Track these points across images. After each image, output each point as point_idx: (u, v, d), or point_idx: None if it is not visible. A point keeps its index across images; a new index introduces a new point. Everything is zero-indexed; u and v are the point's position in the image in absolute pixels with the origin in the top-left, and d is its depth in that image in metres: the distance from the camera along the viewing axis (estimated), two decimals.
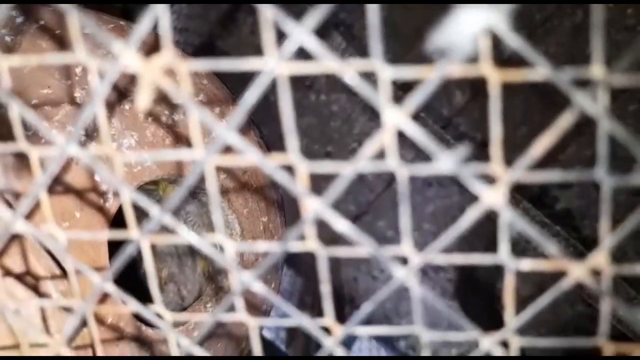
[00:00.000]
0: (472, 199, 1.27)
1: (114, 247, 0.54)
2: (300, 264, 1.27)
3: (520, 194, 1.19)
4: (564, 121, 0.22)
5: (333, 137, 1.36)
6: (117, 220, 0.55)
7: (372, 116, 1.21)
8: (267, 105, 1.21)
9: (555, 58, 1.22)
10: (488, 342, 0.25)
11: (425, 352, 0.26)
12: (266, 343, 1.22)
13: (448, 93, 1.20)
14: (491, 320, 1.29)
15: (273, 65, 0.22)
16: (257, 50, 1.26)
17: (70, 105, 0.49)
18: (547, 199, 1.30)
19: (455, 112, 1.22)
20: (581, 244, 1.20)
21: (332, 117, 1.28)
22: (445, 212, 1.29)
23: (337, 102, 1.28)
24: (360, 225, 1.37)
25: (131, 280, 0.85)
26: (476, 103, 1.18)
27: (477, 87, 1.16)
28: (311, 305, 1.30)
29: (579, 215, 1.33)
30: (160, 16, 0.23)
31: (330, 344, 0.26)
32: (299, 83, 1.19)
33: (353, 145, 1.35)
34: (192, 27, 1.23)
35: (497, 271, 1.28)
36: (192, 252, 0.82)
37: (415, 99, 0.22)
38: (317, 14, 0.22)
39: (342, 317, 1.40)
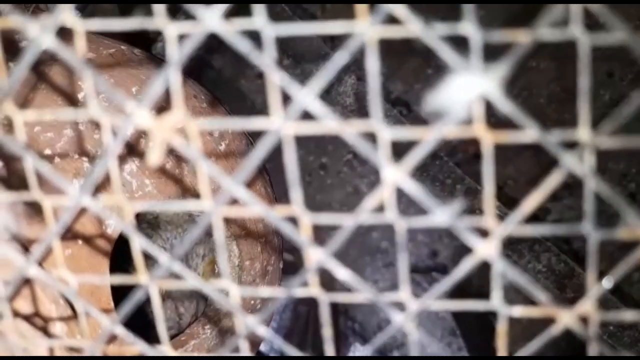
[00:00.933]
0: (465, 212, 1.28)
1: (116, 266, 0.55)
2: (292, 274, 1.27)
3: (510, 208, 1.20)
4: (553, 180, 0.23)
5: (327, 149, 1.37)
6: (118, 244, 0.56)
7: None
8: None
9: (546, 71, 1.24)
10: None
11: None
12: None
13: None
14: (483, 331, 1.30)
15: (279, 126, 0.24)
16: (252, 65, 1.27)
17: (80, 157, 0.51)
18: (538, 211, 1.31)
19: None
20: (572, 258, 1.22)
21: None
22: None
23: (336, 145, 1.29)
24: (355, 237, 1.39)
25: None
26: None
27: None
28: (306, 314, 1.31)
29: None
30: (170, 78, 0.24)
31: None
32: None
33: (347, 156, 1.37)
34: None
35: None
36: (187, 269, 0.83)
37: (413, 158, 0.23)
38: (321, 79, 0.23)
39: (336, 327, 1.41)
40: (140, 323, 0.78)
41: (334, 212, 1.28)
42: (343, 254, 1.34)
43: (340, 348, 1.31)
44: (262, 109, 1.31)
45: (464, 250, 1.29)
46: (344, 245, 1.34)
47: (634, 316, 0.26)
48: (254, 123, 0.24)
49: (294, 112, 0.23)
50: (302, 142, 1.35)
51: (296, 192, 0.25)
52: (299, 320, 1.33)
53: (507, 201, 1.25)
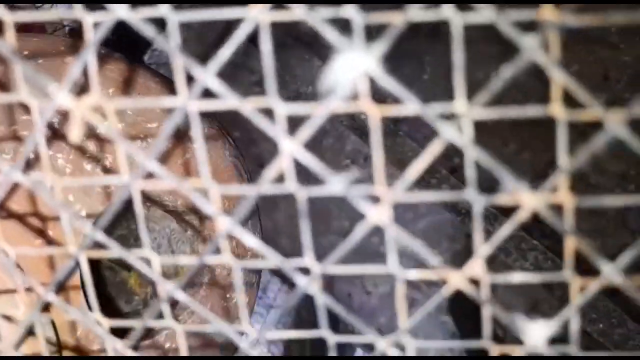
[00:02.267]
0: (463, 216, 1.30)
1: None
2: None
3: (497, 207, 1.22)
4: (434, 148, 0.25)
5: (325, 156, 1.39)
6: None
7: (363, 134, 1.24)
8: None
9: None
10: (383, 344, 0.29)
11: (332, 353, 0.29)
12: None
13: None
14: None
15: (184, 103, 0.26)
16: (250, 71, 1.30)
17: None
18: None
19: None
20: (559, 256, 1.23)
21: (324, 135, 1.32)
22: (436, 228, 1.32)
23: (329, 120, 1.32)
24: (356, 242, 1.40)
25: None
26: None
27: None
28: (308, 319, 1.32)
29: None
30: (89, 62, 0.26)
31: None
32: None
33: (345, 162, 1.39)
34: (190, 49, 1.27)
35: (491, 286, 1.31)
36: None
37: (305, 132, 0.26)
38: (219, 60, 0.25)
39: (336, 333, 1.43)
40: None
41: (331, 214, 1.29)
42: (344, 260, 1.35)
43: (343, 354, 1.32)
44: None
45: (463, 252, 1.30)
46: (345, 251, 1.36)
47: (521, 278, 0.28)
48: (163, 102, 0.27)
49: (197, 90, 0.26)
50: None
51: (204, 168, 0.27)
52: (302, 326, 1.34)
53: None
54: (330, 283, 1.35)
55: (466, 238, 1.30)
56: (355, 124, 1.24)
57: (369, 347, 1.35)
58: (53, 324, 0.44)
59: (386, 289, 1.39)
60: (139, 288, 0.75)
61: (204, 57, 1.31)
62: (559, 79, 0.24)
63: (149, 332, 0.67)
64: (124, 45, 0.86)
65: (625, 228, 1.27)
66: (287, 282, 1.21)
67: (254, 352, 0.29)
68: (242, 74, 1.31)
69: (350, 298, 1.36)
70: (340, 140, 1.34)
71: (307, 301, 1.31)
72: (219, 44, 1.25)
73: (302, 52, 1.25)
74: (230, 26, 1.23)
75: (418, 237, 1.38)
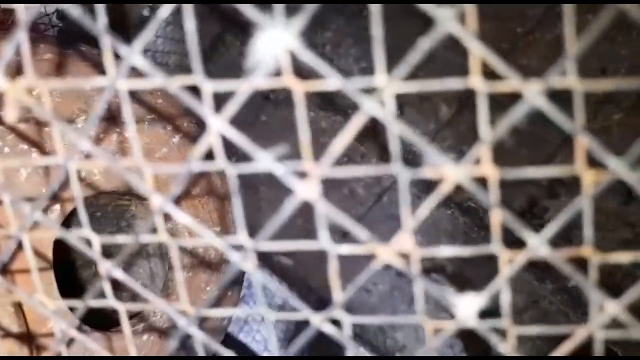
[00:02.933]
0: (463, 211, 1.29)
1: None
2: (292, 278, 1.29)
3: (509, 205, 1.22)
4: (355, 123, 0.26)
5: (323, 153, 1.39)
6: None
7: (360, 133, 1.23)
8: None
9: (539, 71, 1.26)
10: (318, 319, 0.29)
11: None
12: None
13: (434, 107, 1.23)
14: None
15: (112, 82, 0.26)
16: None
17: None
18: (536, 209, 1.32)
19: (441, 126, 1.25)
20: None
21: (321, 134, 1.32)
22: (434, 224, 1.32)
23: (326, 118, 1.32)
24: (350, 239, 1.40)
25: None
26: (462, 117, 1.21)
27: (463, 101, 1.19)
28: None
29: (568, 226, 1.35)
30: (21, 42, 0.27)
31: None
32: (289, 99, 1.22)
33: (343, 159, 1.39)
34: (180, 50, 1.28)
35: (492, 279, 1.31)
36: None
37: (231, 108, 0.26)
38: (142, 40, 0.26)
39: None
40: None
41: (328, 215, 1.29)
42: (343, 260, 1.35)
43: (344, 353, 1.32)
44: None
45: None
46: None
47: (450, 252, 0.28)
48: (92, 81, 0.27)
49: (124, 69, 0.26)
50: (297, 146, 1.37)
51: (136, 145, 0.28)
52: (300, 324, 1.34)
53: None
54: (327, 281, 1.35)
55: (464, 234, 1.30)
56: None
57: (373, 347, 1.35)
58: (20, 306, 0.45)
59: (386, 288, 1.39)
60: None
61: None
62: (477, 50, 0.25)
63: (137, 315, 0.68)
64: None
65: (625, 224, 1.26)
66: (286, 280, 1.21)
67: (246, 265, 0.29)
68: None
69: (351, 296, 1.36)
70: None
71: (303, 300, 1.31)
72: (211, 43, 1.25)
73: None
74: (223, 29, 1.24)
75: (419, 235, 1.38)
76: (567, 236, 1.18)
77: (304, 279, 1.23)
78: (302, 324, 1.26)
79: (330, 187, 1.39)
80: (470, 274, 1.30)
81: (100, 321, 0.68)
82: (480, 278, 1.28)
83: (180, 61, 1.21)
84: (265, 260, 1.19)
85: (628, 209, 1.25)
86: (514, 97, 0.26)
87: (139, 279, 0.81)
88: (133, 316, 0.66)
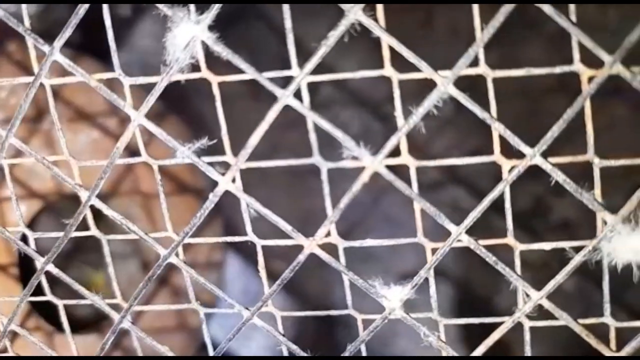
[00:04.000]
0: (463, 213, 1.29)
1: None
2: (286, 286, 1.28)
3: (512, 203, 1.20)
4: (271, 115, 0.26)
5: (321, 151, 1.39)
6: None
7: (358, 133, 1.23)
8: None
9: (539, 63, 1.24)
10: (248, 313, 0.29)
11: None
12: None
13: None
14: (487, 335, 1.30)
15: (39, 80, 0.27)
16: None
17: None
18: (540, 208, 1.31)
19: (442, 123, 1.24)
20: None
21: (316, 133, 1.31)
22: (435, 226, 1.31)
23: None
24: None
25: None
26: (462, 114, 1.20)
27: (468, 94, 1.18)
28: (313, 327, 1.32)
29: (573, 225, 1.34)
30: None
31: None
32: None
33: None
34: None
35: (495, 288, 1.29)
36: None
37: (150, 101, 0.26)
38: (64, 37, 0.26)
39: (334, 337, 1.42)
40: None
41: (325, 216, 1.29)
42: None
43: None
44: None
45: (465, 253, 1.29)
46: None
47: (374, 242, 0.28)
48: (19, 79, 0.28)
49: (47, 66, 0.27)
50: (293, 146, 1.38)
51: (62, 141, 0.28)
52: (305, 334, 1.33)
53: None
54: (329, 288, 1.34)
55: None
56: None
57: (368, 349, 1.34)
58: None
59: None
60: (107, 288, 0.75)
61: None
62: (386, 39, 0.25)
63: None
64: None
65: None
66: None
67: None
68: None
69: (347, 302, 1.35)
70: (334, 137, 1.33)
71: (302, 307, 1.31)
72: None
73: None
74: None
75: (413, 236, 1.37)
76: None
77: (300, 284, 1.23)
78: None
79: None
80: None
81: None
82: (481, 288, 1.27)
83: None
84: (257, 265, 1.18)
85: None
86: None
87: None
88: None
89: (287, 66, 0.25)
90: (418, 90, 0.26)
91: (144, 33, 1.09)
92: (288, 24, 0.25)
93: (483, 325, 0.31)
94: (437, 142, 1.17)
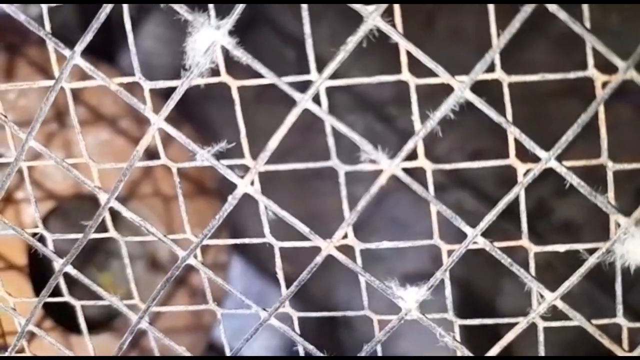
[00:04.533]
0: (468, 214, 1.29)
1: None
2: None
3: (515, 204, 1.21)
4: (290, 119, 0.26)
5: (322, 155, 1.39)
6: None
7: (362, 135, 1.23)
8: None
9: (544, 65, 1.25)
10: (265, 314, 0.29)
11: None
12: None
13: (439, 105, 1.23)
14: (491, 339, 1.30)
15: (59, 84, 0.27)
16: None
17: None
18: (543, 209, 1.31)
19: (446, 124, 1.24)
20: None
21: (318, 135, 1.32)
22: (439, 228, 1.31)
23: (322, 120, 1.32)
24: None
25: None
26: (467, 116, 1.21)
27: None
28: (314, 329, 1.32)
29: (577, 226, 1.34)
30: None
31: None
32: (286, 100, 1.22)
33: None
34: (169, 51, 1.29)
35: (497, 291, 1.30)
36: None
37: (170, 105, 0.27)
38: (85, 41, 0.27)
39: (336, 339, 1.43)
40: None
41: (329, 219, 1.30)
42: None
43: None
44: None
45: (468, 253, 1.29)
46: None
47: (390, 244, 0.28)
48: (39, 83, 0.28)
49: (67, 70, 0.27)
50: (292, 149, 1.38)
51: (82, 145, 0.28)
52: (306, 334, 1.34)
53: None
54: (331, 290, 1.35)
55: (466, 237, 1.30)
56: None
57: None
58: None
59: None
60: (113, 289, 0.75)
61: None
62: (404, 45, 0.25)
63: None
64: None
65: None
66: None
67: None
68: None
69: (351, 305, 1.36)
70: (336, 139, 1.34)
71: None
72: None
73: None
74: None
75: (419, 238, 1.38)
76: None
77: (303, 285, 1.23)
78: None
79: (327, 192, 1.39)
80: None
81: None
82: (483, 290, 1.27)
83: (172, 62, 1.22)
84: (265, 269, 1.19)
85: None
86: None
87: None
88: None
89: (288, 67, 0.26)
90: (419, 93, 0.27)
91: (146, 34, 1.09)
92: (307, 29, 0.26)
93: (485, 326, 0.32)
94: (439, 144, 1.17)
